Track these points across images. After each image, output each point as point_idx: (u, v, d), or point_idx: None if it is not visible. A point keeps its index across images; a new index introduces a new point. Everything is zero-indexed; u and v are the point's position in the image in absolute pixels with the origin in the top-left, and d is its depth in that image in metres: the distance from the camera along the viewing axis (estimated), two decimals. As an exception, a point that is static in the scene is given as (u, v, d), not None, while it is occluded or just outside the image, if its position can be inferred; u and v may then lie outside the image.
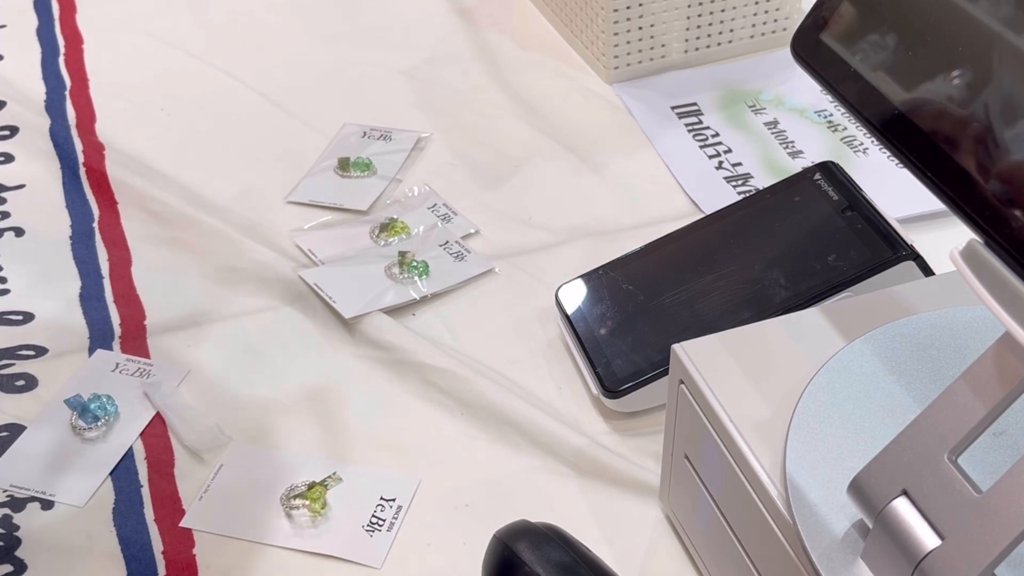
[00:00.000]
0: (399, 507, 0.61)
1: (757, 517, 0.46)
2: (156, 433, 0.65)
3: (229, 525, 0.60)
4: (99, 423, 0.65)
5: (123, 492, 0.62)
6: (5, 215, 0.81)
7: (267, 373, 0.69)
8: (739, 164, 0.84)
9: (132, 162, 0.85)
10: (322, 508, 0.60)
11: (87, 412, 0.65)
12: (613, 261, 0.70)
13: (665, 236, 0.71)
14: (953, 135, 0.39)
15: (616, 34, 0.91)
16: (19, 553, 0.59)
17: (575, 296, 0.69)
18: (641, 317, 0.66)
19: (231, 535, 0.60)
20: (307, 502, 0.60)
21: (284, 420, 0.66)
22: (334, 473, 0.61)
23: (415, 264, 0.74)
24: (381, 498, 0.61)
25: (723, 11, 0.94)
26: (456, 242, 0.77)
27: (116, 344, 0.71)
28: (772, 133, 0.87)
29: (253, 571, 0.58)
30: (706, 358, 0.51)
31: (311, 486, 0.61)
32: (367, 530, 0.60)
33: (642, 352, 0.64)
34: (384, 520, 0.60)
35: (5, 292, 0.75)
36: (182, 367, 0.69)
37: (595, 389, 0.65)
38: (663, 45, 0.94)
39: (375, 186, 0.83)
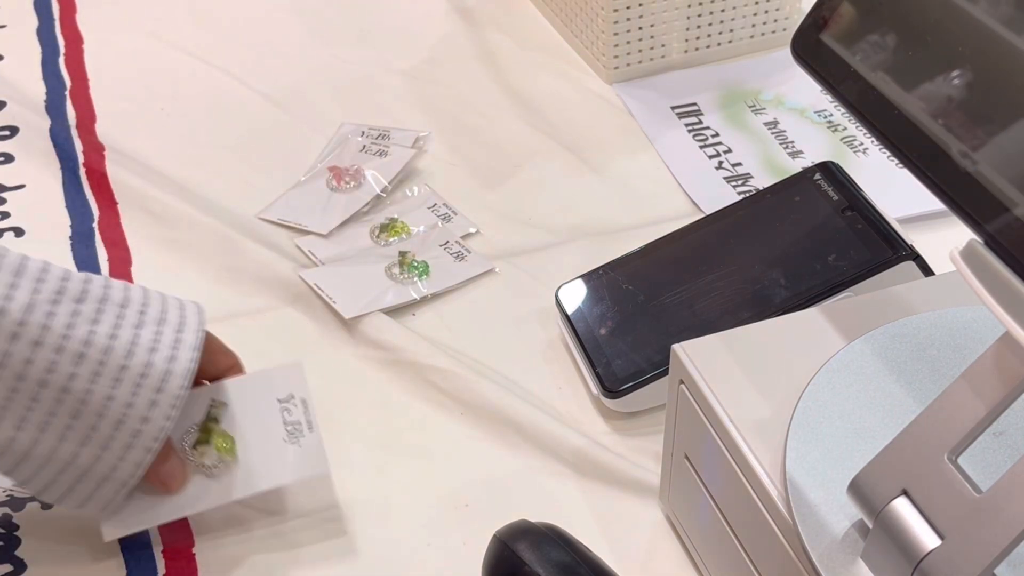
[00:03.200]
0: (303, 400, 0.56)
1: (757, 517, 0.46)
2: (156, 433, 0.65)
3: (164, 511, 0.56)
4: (99, 423, 0.65)
5: (123, 492, 0.62)
6: (5, 215, 0.81)
7: (267, 373, 0.69)
8: (739, 164, 0.84)
9: (132, 162, 0.85)
10: (230, 445, 0.55)
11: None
12: (613, 261, 0.70)
13: (665, 236, 0.71)
14: (953, 135, 0.39)
15: (616, 34, 0.91)
16: (19, 553, 0.59)
17: (575, 296, 0.69)
18: (641, 317, 0.66)
19: (170, 520, 0.56)
20: (212, 449, 0.55)
21: (284, 420, 0.66)
22: (212, 401, 0.56)
23: (415, 264, 0.74)
24: (278, 400, 0.56)
25: (723, 11, 0.94)
26: (456, 242, 0.77)
27: (116, 344, 0.71)
28: (772, 133, 0.87)
29: (254, 571, 0.58)
30: (706, 358, 0.51)
31: (202, 428, 0.56)
32: (290, 441, 0.55)
33: (642, 352, 0.64)
34: (299, 422, 0.55)
35: (5, 292, 0.75)
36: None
37: (595, 389, 0.65)
38: (663, 45, 0.94)
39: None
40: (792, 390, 0.48)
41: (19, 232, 0.80)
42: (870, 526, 0.40)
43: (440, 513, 0.61)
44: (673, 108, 0.91)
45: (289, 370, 0.57)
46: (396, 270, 0.74)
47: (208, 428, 0.55)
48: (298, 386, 0.56)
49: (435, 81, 0.95)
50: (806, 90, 0.90)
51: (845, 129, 0.87)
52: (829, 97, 0.50)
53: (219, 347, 0.60)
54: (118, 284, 0.55)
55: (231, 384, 0.57)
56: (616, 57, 0.93)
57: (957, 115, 0.39)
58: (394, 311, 0.72)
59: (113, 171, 0.84)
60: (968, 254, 0.37)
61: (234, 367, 0.60)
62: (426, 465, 0.63)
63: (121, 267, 0.76)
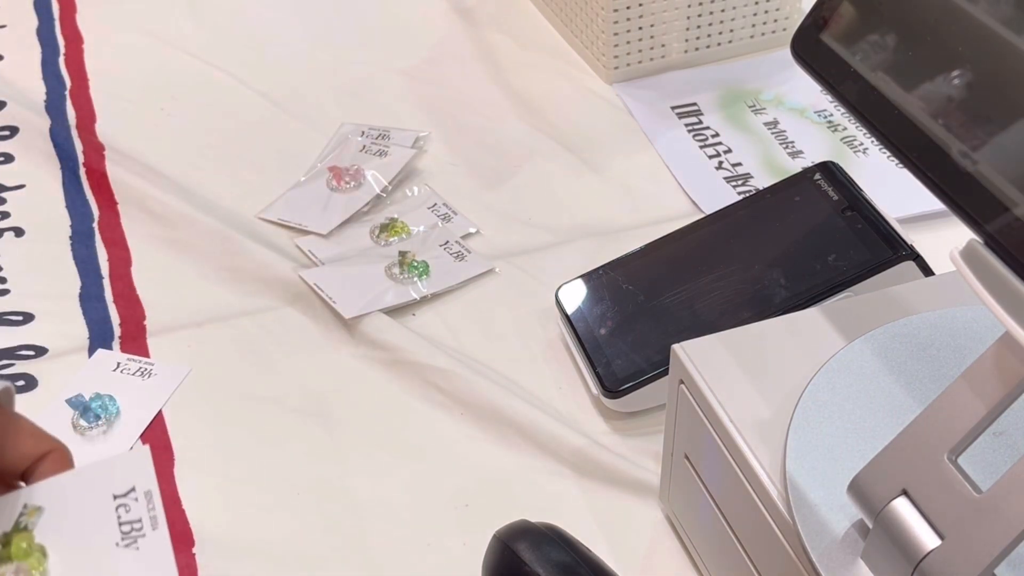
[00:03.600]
0: (147, 492, 0.45)
1: (757, 517, 0.46)
2: (157, 433, 0.65)
3: None
4: (100, 422, 0.65)
5: (123, 492, 0.62)
6: (5, 215, 0.81)
7: (267, 373, 0.69)
8: (739, 164, 0.84)
9: (132, 162, 0.85)
10: (39, 561, 0.43)
11: (89, 411, 0.65)
12: (613, 261, 0.70)
13: (665, 236, 0.71)
14: (953, 135, 0.39)
15: (616, 34, 0.91)
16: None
17: (575, 296, 0.69)
18: (641, 317, 0.66)
19: None
20: (18, 565, 0.43)
21: (284, 420, 0.66)
22: (25, 506, 0.44)
23: (415, 264, 0.74)
24: (114, 497, 0.45)
25: (723, 11, 0.93)
26: (456, 242, 0.77)
27: (116, 344, 0.71)
28: (772, 133, 0.87)
29: (254, 572, 0.58)
30: (706, 358, 0.51)
31: (6, 542, 0.43)
32: (125, 545, 0.43)
33: (642, 352, 0.64)
34: (139, 521, 0.44)
35: (5, 292, 0.75)
36: (182, 367, 0.69)
37: (595, 389, 0.65)
38: (663, 45, 0.94)
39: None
40: (792, 390, 0.48)
41: (19, 232, 0.80)
42: (870, 526, 0.40)
43: (440, 513, 0.61)
44: (673, 108, 0.91)
45: (131, 458, 0.46)
46: (396, 270, 0.74)
47: (13, 541, 0.43)
48: (142, 476, 0.45)
49: (435, 81, 0.95)
50: (806, 90, 0.90)
51: (845, 129, 0.87)
52: (829, 97, 0.50)
53: (24, 429, 0.46)
54: None
55: (52, 484, 0.45)
56: (616, 57, 0.93)
57: (957, 115, 0.39)
58: (394, 311, 0.72)
59: (113, 171, 0.84)
60: (968, 254, 0.37)
61: (52, 454, 0.46)
62: (426, 465, 0.63)
63: (121, 267, 0.76)
